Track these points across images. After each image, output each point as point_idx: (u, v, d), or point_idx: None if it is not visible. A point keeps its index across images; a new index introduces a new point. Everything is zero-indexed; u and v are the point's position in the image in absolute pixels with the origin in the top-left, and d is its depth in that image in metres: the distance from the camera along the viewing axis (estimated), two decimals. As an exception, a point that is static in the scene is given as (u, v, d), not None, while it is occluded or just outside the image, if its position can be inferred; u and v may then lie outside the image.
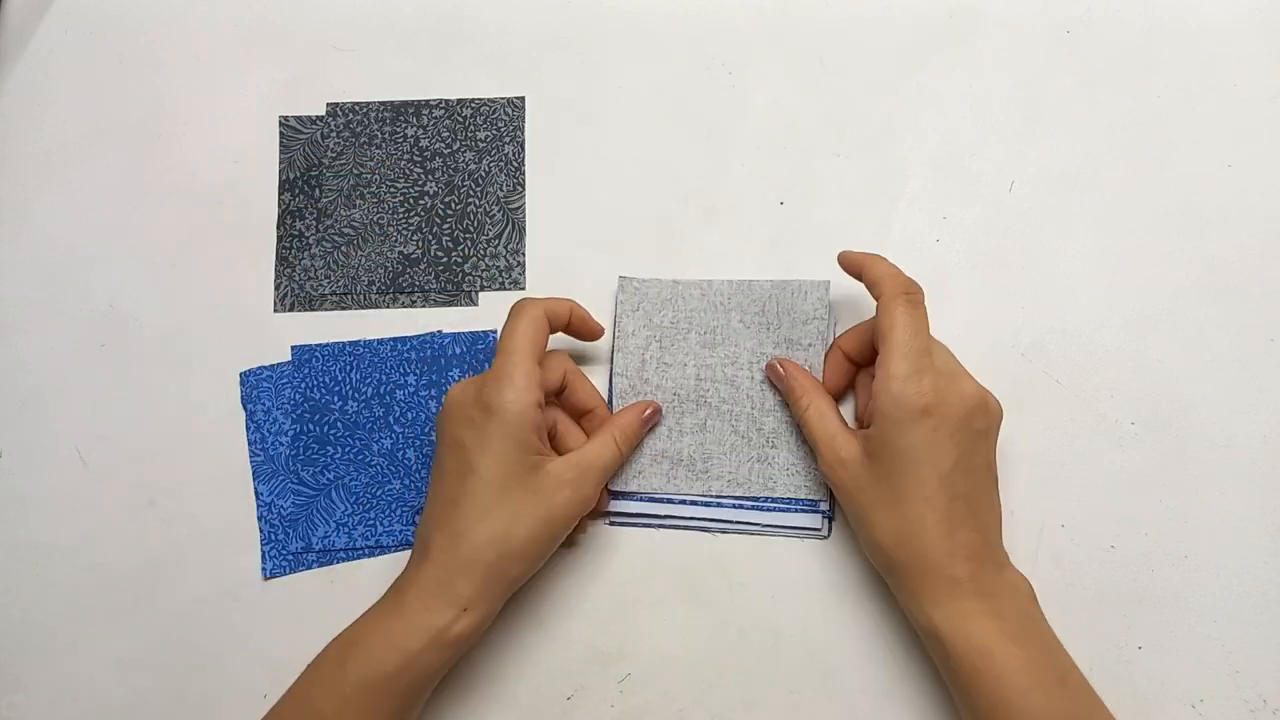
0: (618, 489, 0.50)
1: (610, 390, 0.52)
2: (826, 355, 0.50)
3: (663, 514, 0.50)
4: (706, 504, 0.50)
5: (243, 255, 0.55)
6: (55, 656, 0.50)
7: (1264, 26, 0.56)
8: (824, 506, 0.50)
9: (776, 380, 0.50)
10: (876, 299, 0.46)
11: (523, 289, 0.54)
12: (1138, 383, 0.51)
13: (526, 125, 0.57)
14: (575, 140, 0.57)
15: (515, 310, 0.47)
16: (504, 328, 0.46)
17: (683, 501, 0.50)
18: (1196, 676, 0.48)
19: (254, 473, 0.52)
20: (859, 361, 0.50)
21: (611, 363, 0.52)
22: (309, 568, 0.51)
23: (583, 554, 0.51)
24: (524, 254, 0.55)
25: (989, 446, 0.45)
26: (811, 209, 0.55)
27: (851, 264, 0.48)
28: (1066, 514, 0.50)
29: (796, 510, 0.50)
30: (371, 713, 0.42)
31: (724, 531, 0.50)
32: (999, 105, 0.56)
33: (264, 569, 0.50)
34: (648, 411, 0.50)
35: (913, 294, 0.46)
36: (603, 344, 0.52)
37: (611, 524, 0.51)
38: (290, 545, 0.51)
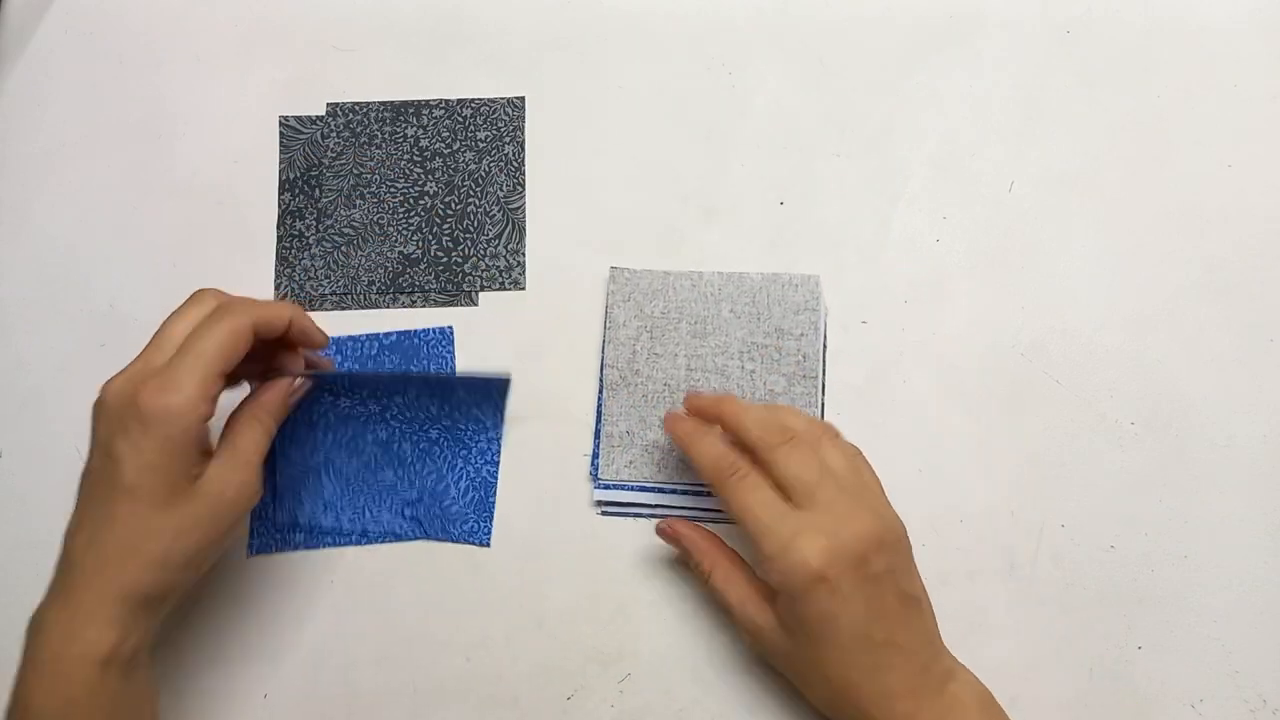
0: (609, 481, 0.50)
1: (601, 381, 0.52)
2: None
3: (653, 503, 0.51)
4: (697, 493, 0.50)
5: (243, 255, 0.55)
6: (55, 656, 0.50)
7: (1264, 26, 0.56)
8: None
9: (673, 542, 0.48)
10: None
11: (522, 289, 0.54)
12: (1138, 383, 0.51)
13: (526, 125, 0.57)
14: (575, 140, 0.57)
15: (217, 312, 0.41)
16: (196, 327, 0.41)
17: (673, 490, 0.50)
18: (1196, 676, 0.48)
19: None
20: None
21: (602, 354, 0.52)
22: (294, 549, 0.50)
23: (582, 554, 0.51)
24: (524, 254, 0.55)
25: (897, 578, 0.42)
26: (811, 209, 0.55)
27: (700, 409, 0.47)
28: (1066, 514, 0.50)
29: None
30: None
31: (714, 521, 0.50)
32: (999, 105, 0.56)
33: (250, 546, 0.50)
34: (294, 385, 0.45)
35: (736, 471, 0.43)
36: (592, 336, 0.52)
37: (604, 514, 0.51)
38: (277, 519, 0.50)
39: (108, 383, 0.41)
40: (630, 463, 0.51)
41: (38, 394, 0.54)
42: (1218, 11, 0.57)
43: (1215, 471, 0.50)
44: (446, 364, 0.53)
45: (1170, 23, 0.57)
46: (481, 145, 0.56)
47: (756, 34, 0.58)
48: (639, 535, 0.51)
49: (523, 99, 0.57)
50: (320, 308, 0.54)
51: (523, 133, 0.56)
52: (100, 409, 0.41)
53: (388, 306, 0.54)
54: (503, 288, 0.54)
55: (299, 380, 0.46)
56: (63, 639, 0.39)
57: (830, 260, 0.54)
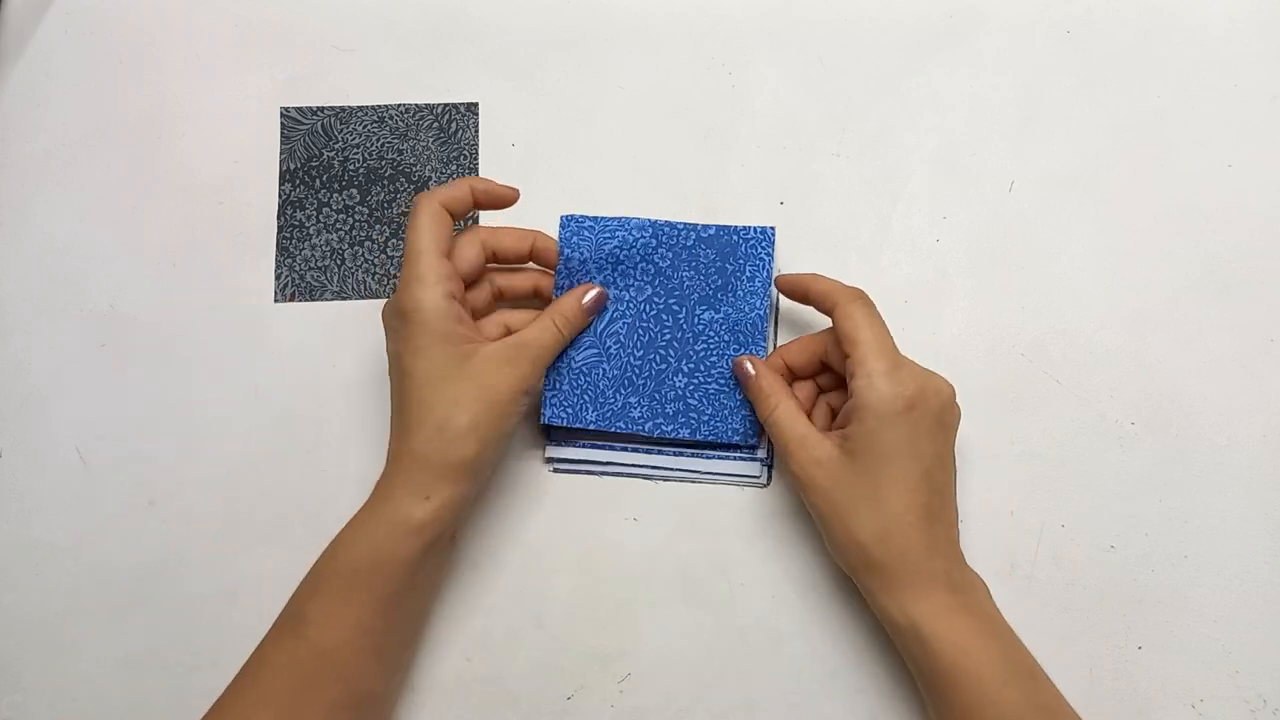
0: (579, 424, 0.51)
1: None
2: (768, 359, 0.50)
3: (604, 460, 0.51)
4: (648, 451, 0.51)
5: (243, 254, 0.55)
6: (55, 656, 0.50)
7: (1264, 26, 0.56)
8: (762, 454, 0.51)
9: (743, 379, 0.49)
10: (830, 310, 0.47)
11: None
12: (1138, 383, 0.51)
13: (526, 125, 0.57)
14: (575, 140, 0.57)
15: (414, 207, 0.47)
16: (407, 228, 0.47)
17: (623, 449, 0.51)
18: (1196, 676, 0.48)
19: None
20: (800, 374, 0.50)
21: (554, 297, 0.52)
22: (585, 425, 0.50)
23: (582, 553, 0.51)
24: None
25: (953, 442, 0.46)
26: (811, 209, 0.55)
27: (793, 286, 0.49)
28: (1066, 514, 0.50)
29: (735, 459, 0.51)
30: (354, 610, 0.43)
31: (665, 479, 0.51)
32: (999, 105, 0.56)
33: (544, 415, 0.50)
34: (589, 295, 0.50)
35: (865, 298, 0.47)
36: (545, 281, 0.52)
37: (555, 470, 0.52)
38: (574, 396, 0.50)
39: (382, 307, 0.47)
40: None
41: (38, 394, 0.54)
42: (1218, 11, 0.57)
43: (1215, 471, 0.50)
44: (764, 266, 0.51)
45: (1170, 23, 0.57)
46: (437, 151, 0.57)
47: (756, 34, 0.58)
48: (639, 535, 0.51)
49: (476, 105, 0.57)
50: (320, 297, 0.55)
51: (477, 141, 0.57)
52: (385, 330, 0.47)
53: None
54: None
55: (589, 295, 0.50)
56: (384, 498, 0.45)
57: (830, 260, 0.54)
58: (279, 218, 0.56)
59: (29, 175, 0.57)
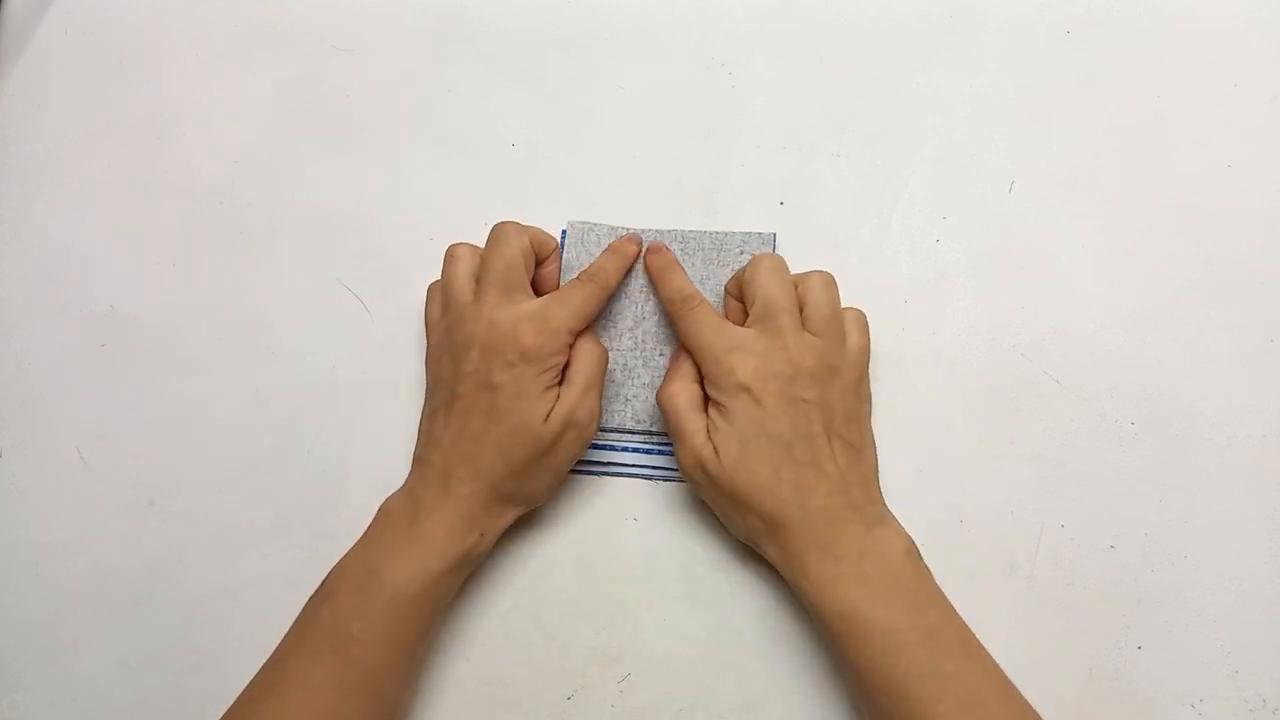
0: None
1: None
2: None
3: (604, 460, 0.51)
4: (648, 451, 0.51)
5: (243, 254, 0.55)
6: (55, 656, 0.50)
7: (1264, 26, 0.56)
8: None
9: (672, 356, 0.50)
10: None
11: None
12: (1138, 383, 0.51)
13: (526, 125, 0.57)
14: (575, 140, 0.57)
15: (542, 241, 0.49)
16: (524, 265, 0.47)
17: (624, 449, 0.51)
18: (1196, 676, 0.48)
19: None
20: None
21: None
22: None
23: (581, 553, 0.51)
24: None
25: (830, 414, 0.45)
26: (811, 209, 0.55)
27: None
28: (1066, 514, 0.50)
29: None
30: (400, 631, 0.44)
31: (665, 479, 0.51)
32: (999, 105, 0.56)
33: None
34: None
35: (690, 302, 0.48)
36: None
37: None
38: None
39: (493, 313, 0.46)
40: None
41: (38, 394, 0.54)
42: (1218, 11, 0.57)
43: (1215, 471, 0.50)
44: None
45: (1170, 23, 0.57)
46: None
47: (756, 34, 0.58)
48: (640, 535, 0.51)
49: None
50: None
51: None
52: (489, 343, 0.45)
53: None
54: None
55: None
56: (441, 529, 0.44)
57: (830, 260, 0.54)
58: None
59: (29, 175, 0.57)
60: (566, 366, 0.47)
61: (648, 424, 0.51)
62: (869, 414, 0.49)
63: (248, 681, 0.50)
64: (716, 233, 0.53)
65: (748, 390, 0.44)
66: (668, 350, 0.52)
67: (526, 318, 0.46)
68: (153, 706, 0.49)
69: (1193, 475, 0.50)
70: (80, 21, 0.60)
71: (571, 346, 0.47)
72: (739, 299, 0.49)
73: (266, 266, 0.55)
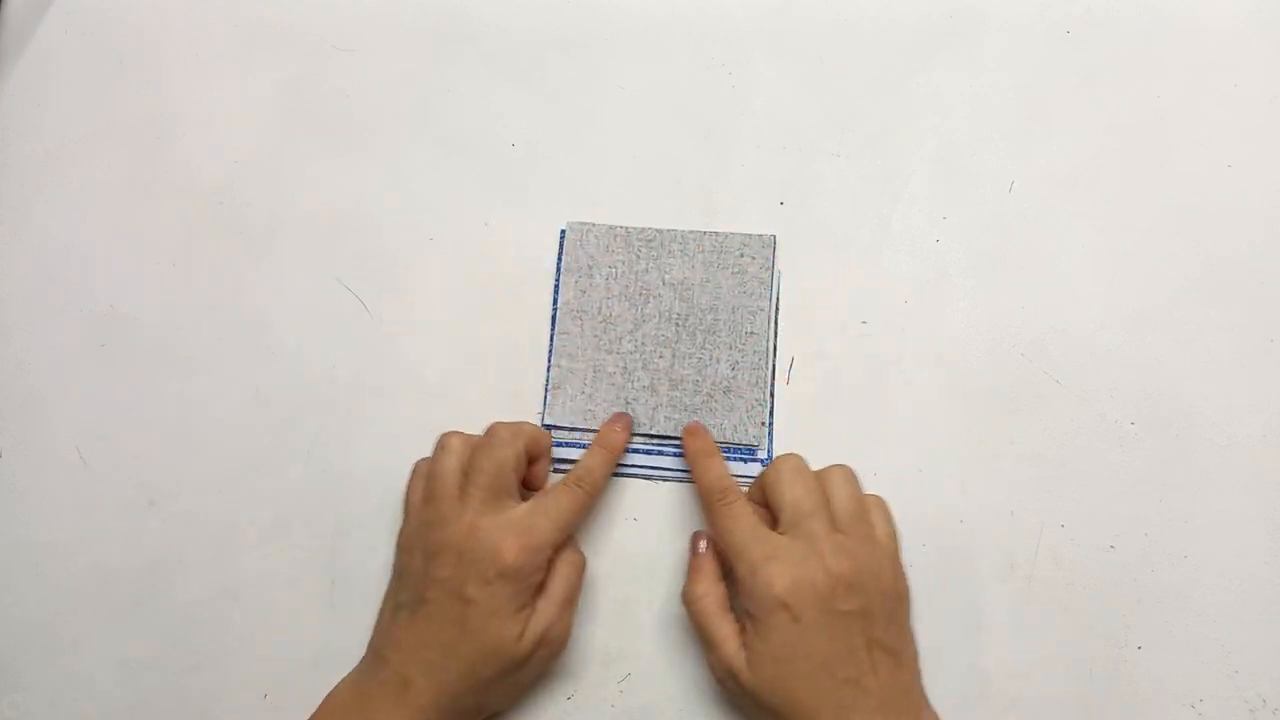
0: (557, 426, 0.51)
1: (553, 328, 0.53)
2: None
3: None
4: (648, 451, 0.51)
5: (243, 254, 0.55)
6: (55, 656, 0.50)
7: (1264, 26, 0.56)
8: (762, 455, 0.51)
9: (691, 549, 0.48)
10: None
11: (523, 289, 0.54)
12: (1138, 383, 0.51)
13: (526, 125, 0.57)
14: (575, 140, 0.57)
15: (507, 451, 0.46)
16: (511, 471, 0.46)
17: (630, 450, 0.51)
18: (1196, 676, 0.48)
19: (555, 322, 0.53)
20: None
21: (555, 304, 0.53)
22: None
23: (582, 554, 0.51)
24: (524, 254, 0.55)
25: (871, 624, 0.42)
26: (811, 209, 0.55)
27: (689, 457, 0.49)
28: (1066, 514, 0.50)
29: (736, 459, 0.50)
30: None
31: (665, 479, 0.51)
32: (999, 105, 0.56)
33: (545, 415, 0.51)
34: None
35: (725, 497, 0.46)
36: (545, 294, 0.53)
37: (555, 470, 0.51)
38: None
39: (476, 521, 0.44)
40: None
41: (38, 394, 0.54)
42: (1218, 11, 0.57)
43: (1215, 471, 0.50)
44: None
45: (1170, 23, 0.57)
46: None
47: (756, 34, 0.58)
48: (640, 535, 0.51)
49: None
50: (320, 308, 0.54)
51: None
52: (468, 552, 0.43)
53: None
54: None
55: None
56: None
57: (830, 260, 0.54)
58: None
59: (29, 175, 0.57)
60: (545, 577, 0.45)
61: (648, 426, 0.51)
62: (908, 602, 0.46)
63: (246, 681, 0.50)
64: (716, 234, 0.53)
65: (786, 607, 0.41)
66: (667, 353, 0.52)
67: (509, 530, 0.44)
68: (153, 706, 0.49)
69: (1193, 475, 0.50)
70: (80, 21, 0.60)
71: (550, 560, 0.45)
72: (762, 503, 0.47)
73: (266, 266, 0.55)
